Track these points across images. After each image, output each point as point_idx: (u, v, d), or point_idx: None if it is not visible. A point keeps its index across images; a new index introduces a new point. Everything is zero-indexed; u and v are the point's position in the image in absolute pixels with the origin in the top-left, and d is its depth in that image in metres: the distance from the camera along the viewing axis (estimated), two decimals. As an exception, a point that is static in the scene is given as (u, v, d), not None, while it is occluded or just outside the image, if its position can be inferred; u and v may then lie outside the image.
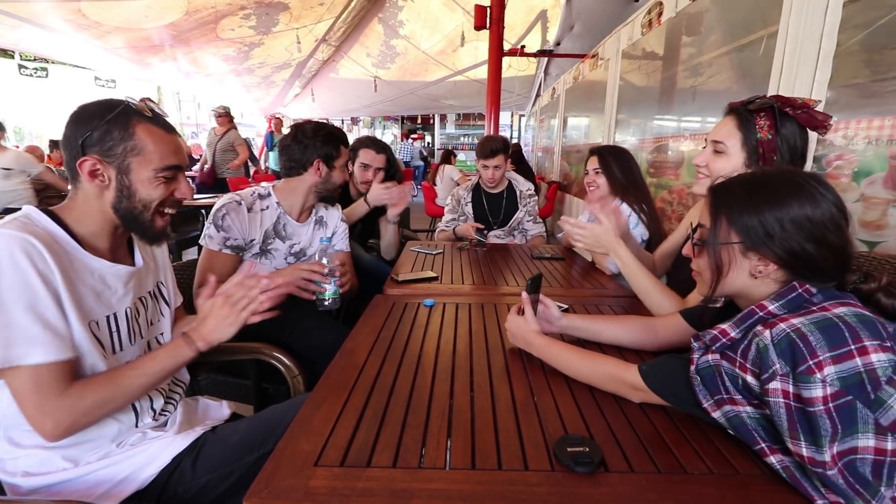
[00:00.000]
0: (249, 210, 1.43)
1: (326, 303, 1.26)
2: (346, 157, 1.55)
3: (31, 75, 6.32)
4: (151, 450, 0.82)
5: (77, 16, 4.80)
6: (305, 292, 1.27)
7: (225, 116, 5.50)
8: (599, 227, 1.22)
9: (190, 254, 4.43)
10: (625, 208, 1.74)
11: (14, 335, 0.68)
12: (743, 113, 1.05)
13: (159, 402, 0.90)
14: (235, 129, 5.62)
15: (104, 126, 0.78)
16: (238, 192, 1.47)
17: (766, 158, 1.02)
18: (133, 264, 0.91)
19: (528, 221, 2.46)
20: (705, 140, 1.15)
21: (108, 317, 0.83)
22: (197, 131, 12.69)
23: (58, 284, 0.73)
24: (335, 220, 1.64)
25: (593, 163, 1.82)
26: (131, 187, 0.81)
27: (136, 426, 0.85)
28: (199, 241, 1.40)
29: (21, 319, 0.69)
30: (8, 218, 0.74)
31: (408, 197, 1.94)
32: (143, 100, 0.84)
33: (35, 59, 6.29)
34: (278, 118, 7.34)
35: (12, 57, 6.16)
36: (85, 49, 5.87)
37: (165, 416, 0.91)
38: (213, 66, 7.40)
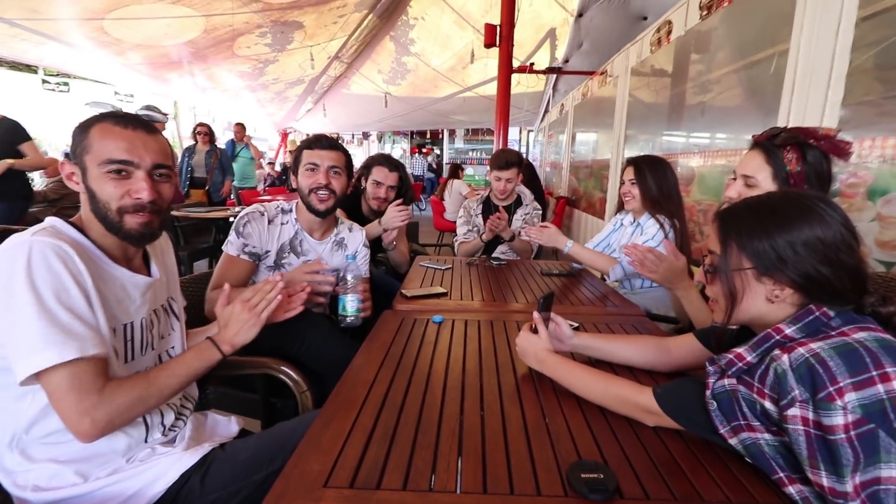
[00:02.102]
0: (270, 222, 1.47)
1: (349, 319, 1.26)
2: (308, 158, 1.48)
3: (53, 90, 6.51)
4: (160, 466, 0.82)
5: (99, 33, 4.97)
6: (317, 299, 1.27)
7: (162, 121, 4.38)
8: (678, 264, 1.27)
9: (200, 266, 4.47)
10: (652, 224, 1.74)
11: (56, 332, 0.70)
12: (770, 147, 1.08)
13: (170, 418, 0.91)
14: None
15: (77, 130, 0.82)
16: (264, 203, 1.51)
17: (797, 188, 1.05)
18: (150, 275, 0.92)
19: (524, 228, 2.45)
20: (733, 173, 1.17)
21: (125, 325, 0.84)
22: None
23: (88, 286, 0.76)
24: (357, 243, 1.63)
25: (629, 173, 1.81)
26: (89, 185, 0.81)
27: (146, 441, 0.85)
28: (222, 247, 1.45)
29: (62, 317, 0.71)
30: (35, 227, 0.77)
31: (400, 220, 1.89)
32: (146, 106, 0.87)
33: (57, 74, 6.50)
34: (240, 124, 5.88)
35: (36, 72, 6.37)
36: (105, 65, 6.06)
37: (175, 431, 0.91)
38: (229, 82, 7.58)
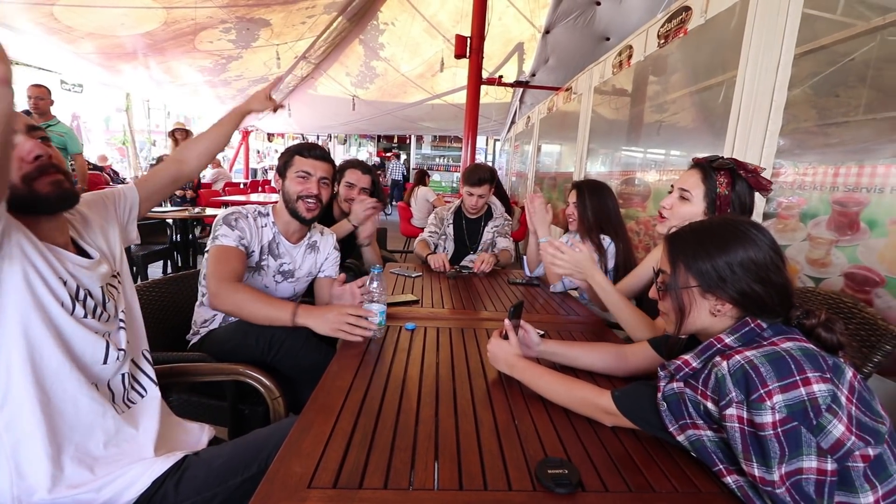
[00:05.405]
0: (254, 221, 1.48)
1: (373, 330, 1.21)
2: (300, 165, 1.48)
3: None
4: (131, 473, 0.81)
5: (49, 19, 4.69)
6: (352, 335, 1.18)
7: None
8: (580, 254, 1.31)
9: (156, 268, 4.29)
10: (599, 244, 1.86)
11: None
12: (707, 169, 1.21)
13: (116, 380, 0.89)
14: None
15: None
16: (239, 206, 1.50)
17: (721, 209, 1.18)
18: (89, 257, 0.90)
19: (497, 237, 2.53)
20: (671, 186, 1.28)
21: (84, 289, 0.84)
22: (163, 140, 12.22)
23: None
24: (329, 246, 1.65)
25: (573, 196, 1.93)
26: None
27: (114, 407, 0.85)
28: (208, 245, 1.39)
29: None
30: None
31: (374, 212, 1.94)
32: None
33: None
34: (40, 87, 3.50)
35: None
36: (53, 52, 5.71)
37: (132, 403, 0.91)
38: (188, 77, 7.30)
